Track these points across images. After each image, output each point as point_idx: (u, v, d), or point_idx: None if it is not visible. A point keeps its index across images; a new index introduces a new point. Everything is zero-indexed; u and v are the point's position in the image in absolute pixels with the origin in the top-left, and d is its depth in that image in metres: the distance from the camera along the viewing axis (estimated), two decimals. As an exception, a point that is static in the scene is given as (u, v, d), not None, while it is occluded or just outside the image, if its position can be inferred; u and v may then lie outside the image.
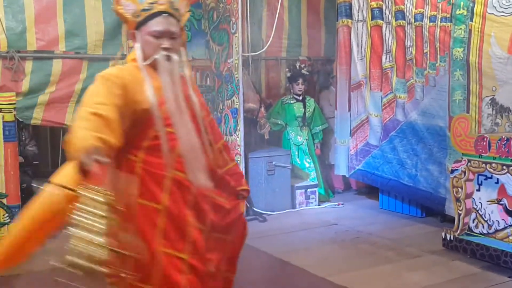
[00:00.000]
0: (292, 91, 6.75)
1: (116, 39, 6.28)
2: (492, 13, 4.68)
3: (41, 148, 6.79)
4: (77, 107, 5.98)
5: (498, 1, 4.65)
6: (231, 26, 6.09)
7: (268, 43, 6.61)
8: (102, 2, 6.12)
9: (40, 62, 5.80)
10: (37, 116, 5.82)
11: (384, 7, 5.87)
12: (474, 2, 4.82)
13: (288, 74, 6.75)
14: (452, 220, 4.54)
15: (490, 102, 4.72)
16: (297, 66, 6.68)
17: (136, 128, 2.20)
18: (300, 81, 6.62)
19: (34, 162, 5.48)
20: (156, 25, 2.27)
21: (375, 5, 5.95)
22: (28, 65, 5.72)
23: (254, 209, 6.01)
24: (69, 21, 5.93)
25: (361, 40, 6.29)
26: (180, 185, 2.22)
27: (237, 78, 5.96)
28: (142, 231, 2.13)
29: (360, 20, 6.20)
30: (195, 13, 6.61)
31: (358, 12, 6.25)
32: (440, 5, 5.15)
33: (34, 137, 5.62)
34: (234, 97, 6.07)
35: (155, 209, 2.18)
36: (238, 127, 5.99)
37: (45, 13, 5.81)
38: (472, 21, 4.83)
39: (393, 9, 5.71)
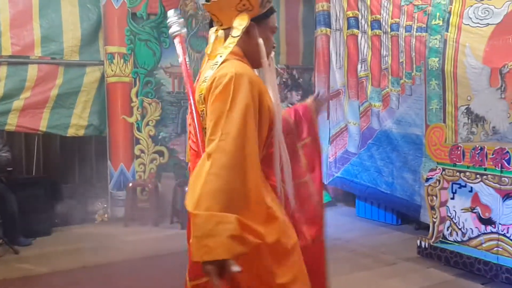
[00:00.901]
0: (288, 98, 6.80)
1: (94, 44, 6.24)
2: (468, 24, 4.77)
3: (15, 155, 6.68)
4: (53, 113, 5.96)
5: (474, 13, 4.74)
6: (210, 33, 6.09)
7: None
8: (79, 7, 6.08)
9: (15, 67, 5.73)
10: (12, 122, 5.74)
11: (360, 17, 5.94)
12: (450, 13, 4.90)
13: (289, 82, 6.79)
14: (427, 227, 4.59)
15: (465, 111, 4.80)
16: (296, 76, 6.70)
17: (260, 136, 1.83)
18: (300, 91, 6.67)
19: (7, 169, 5.38)
20: (274, 21, 1.99)
21: (351, 14, 6.02)
22: (3, 70, 5.64)
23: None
24: (45, 26, 5.87)
25: (339, 49, 6.35)
26: (285, 198, 1.99)
27: (215, 86, 5.95)
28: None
29: (338, 29, 6.26)
30: (173, 19, 6.58)
31: (336, 21, 6.31)
32: (416, 15, 5.23)
33: (7, 143, 5.52)
34: (212, 104, 6.04)
35: None
36: (216, 134, 5.97)
37: (21, 17, 5.74)
38: (447, 32, 4.91)
39: (369, 18, 5.78)
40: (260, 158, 1.81)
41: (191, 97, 1.95)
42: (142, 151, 6.45)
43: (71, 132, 6.18)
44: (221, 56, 1.84)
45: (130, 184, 6.08)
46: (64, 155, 7.15)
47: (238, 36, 1.85)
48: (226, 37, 1.91)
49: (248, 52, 1.94)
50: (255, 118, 1.73)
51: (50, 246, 5.14)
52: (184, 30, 2.14)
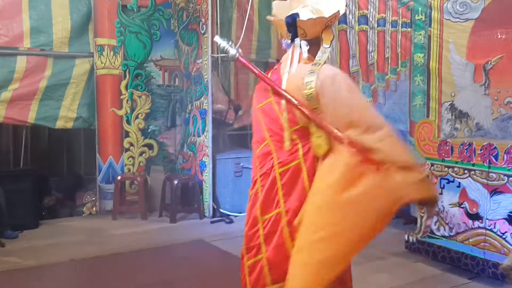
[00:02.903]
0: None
1: (83, 36, 6.19)
2: (449, 19, 4.77)
3: (3, 147, 6.63)
4: (41, 105, 5.91)
5: (452, 7, 4.74)
6: (201, 27, 6.07)
7: (238, 44, 6.55)
8: (69, -1, 6.02)
9: (3, 58, 5.68)
10: (-1, 114, 5.70)
11: (347, 12, 5.94)
12: (431, 8, 4.90)
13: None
14: (414, 222, 4.61)
15: (449, 107, 4.82)
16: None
17: None
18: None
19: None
20: None
21: (339, 9, 6.02)
22: (-9, 62, 5.58)
23: (221, 210, 5.99)
24: (34, 17, 5.82)
25: (333, 44, 6.35)
26: None
27: (206, 79, 5.94)
28: None
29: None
30: (164, 12, 6.56)
31: (328, 16, 6.31)
32: (400, 11, 5.24)
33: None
34: (203, 98, 6.04)
35: None
36: (206, 128, 5.97)
37: (10, 8, 5.69)
38: (431, 27, 4.92)
39: (357, 13, 5.78)
40: None
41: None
42: (131, 144, 6.42)
43: (59, 124, 6.13)
44: (319, 63, 2.22)
45: (119, 177, 6.05)
46: (52, 148, 7.11)
47: (329, 46, 2.29)
48: (311, 45, 2.32)
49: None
50: None
51: (37, 239, 5.10)
52: (239, 50, 2.51)
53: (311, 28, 2.29)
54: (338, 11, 2.31)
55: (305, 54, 2.29)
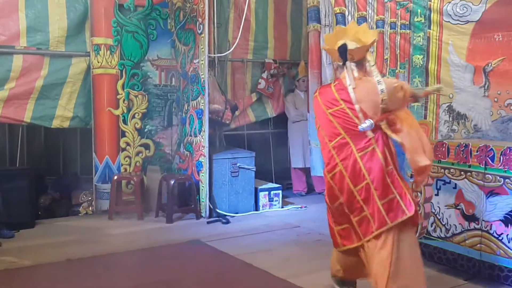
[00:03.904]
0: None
1: (80, 35, 6.18)
2: (448, 21, 4.79)
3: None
4: (37, 104, 5.89)
5: (452, 10, 4.75)
6: (198, 27, 6.06)
7: (235, 44, 6.61)
8: (66, -3, 6.00)
9: (-1, 57, 5.66)
10: (-5, 113, 5.68)
11: (347, 13, 5.94)
12: (430, 10, 4.91)
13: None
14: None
15: (447, 108, 4.84)
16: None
17: None
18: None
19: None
20: None
21: (338, 11, 6.02)
22: (-13, 60, 5.56)
23: (218, 210, 6.00)
24: (31, 16, 5.80)
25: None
26: None
27: (203, 79, 5.94)
28: None
29: (327, 25, 6.25)
30: (161, 12, 6.56)
31: (325, 17, 6.31)
32: (399, 12, 5.25)
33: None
34: (199, 98, 6.03)
35: None
36: (203, 128, 5.96)
37: (6, 7, 5.67)
38: (430, 29, 4.93)
39: (356, 15, 5.78)
40: None
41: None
42: (128, 144, 6.41)
43: (56, 123, 6.11)
44: (378, 76, 3.24)
45: (115, 177, 6.04)
46: (49, 147, 7.09)
47: (374, 64, 3.35)
48: (357, 65, 3.28)
49: None
50: None
51: (33, 238, 5.09)
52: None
53: (357, 54, 3.26)
54: (375, 38, 3.40)
55: (356, 73, 3.26)
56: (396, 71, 5.31)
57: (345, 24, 5.97)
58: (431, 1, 4.89)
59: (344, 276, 3.57)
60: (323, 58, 6.41)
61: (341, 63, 3.34)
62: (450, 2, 4.75)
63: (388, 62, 5.40)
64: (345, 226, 3.36)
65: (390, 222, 3.10)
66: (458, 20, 4.69)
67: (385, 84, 3.16)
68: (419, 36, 5.01)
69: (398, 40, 5.25)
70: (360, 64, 3.27)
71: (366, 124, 3.17)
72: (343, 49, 3.27)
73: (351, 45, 3.22)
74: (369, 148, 3.21)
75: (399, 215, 3.11)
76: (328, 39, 3.50)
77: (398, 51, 5.25)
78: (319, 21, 6.38)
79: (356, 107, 3.19)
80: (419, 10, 5.01)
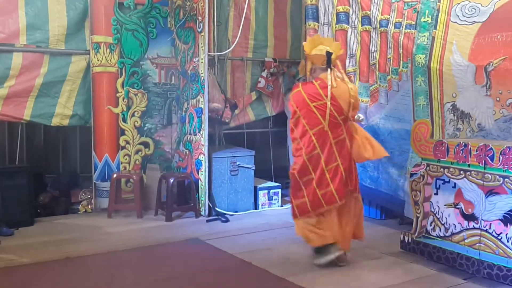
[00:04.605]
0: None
1: (80, 33, 6.18)
2: (455, 22, 4.79)
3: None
4: (37, 102, 5.89)
5: (461, 10, 4.76)
6: (198, 25, 6.06)
7: (235, 43, 6.61)
8: (65, -5, 6.00)
9: (-1, 55, 5.65)
10: (-5, 110, 5.67)
11: (351, 12, 5.93)
12: (438, 11, 4.92)
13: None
14: (410, 222, 4.63)
15: (451, 107, 4.84)
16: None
17: None
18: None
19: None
20: None
21: (341, 10, 6.01)
22: (-13, 58, 5.56)
23: (217, 209, 6.00)
24: (30, 14, 5.80)
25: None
26: None
27: (202, 78, 5.93)
28: None
29: (326, 24, 6.25)
30: (161, 10, 6.55)
31: (324, 16, 6.29)
32: (406, 12, 5.24)
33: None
34: (199, 97, 6.03)
35: None
36: (202, 127, 5.96)
37: (6, 5, 5.67)
38: (435, 29, 4.93)
39: (360, 14, 5.78)
40: None
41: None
42: (127, 142, 6.41)
43: (55, 121, 6.11)
44: (349, 82, 4.30)
45: (115, 175, 6.04)
46: (48, 145, 7.09)
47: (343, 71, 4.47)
48: (332, 70, 4.19)
49: None
50: None
51: (32, 236, 5.09)
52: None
53: (334, 60, 4.20)
54: (342, 52, 4.54)
55: (338, 74, 4.21)
56: (399, 70, 5.30)
57: (348, 23, 5.98)
58: (440, 2, 4.89)
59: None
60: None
61: (324, 66, 4.16)
62: (459, 3, 4.76)
63: (391, 61, 5.39)
64: (302, 200, 4.17)
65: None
66: (465, 20, 4.70)
67: (354, 88, 4.24)
68: (424, 36, 5.01)
69: (402, 39, 5.24)
70: (332, 69, 4.17)
71: (361, 117, 4.50)
72: (329, 55, 4.12)
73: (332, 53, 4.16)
74: (341, 137, 4.12)
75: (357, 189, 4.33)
76: (306, 45, 4.32)
77: (401, 50, 5.25)
78: (316, 20, 6.37)
79: (336, 103, 4.06)
80: (427, 11, 5.01)
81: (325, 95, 4.03)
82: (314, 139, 4.06)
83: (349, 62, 5.97)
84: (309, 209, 4.12)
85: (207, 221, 5.80)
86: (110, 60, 6.21)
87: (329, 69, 4.12)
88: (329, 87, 4.04)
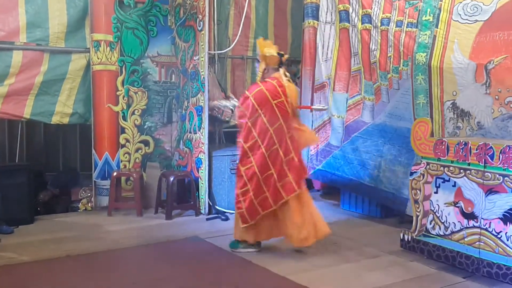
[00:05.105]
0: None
1: (80, 31, 6.18)
2: (457, 20, 4.79)
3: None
4: (37, 100, 5.90)
5: (463, 9, 4.76)
6: (198, 23, 6.06)
7: (235, 41, 6.61)
8: (66, -7, 5.99)
9: (-1, 53, 5.65)
10: (-5, 109, 5.67)
11: (351, 10, 5.92)
12: (440, 9, 4.92)
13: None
14: (410, 221, 4.63)
15: (451, 106, 4.84)
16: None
17: None
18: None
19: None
20: None
21: (342, 8, 6.01)
22: (-13, 56, 5.56)
23: (217, 207, 6.00)
24: (30, 12, 5.79)
25: (328, 42, 6.34)
26: None
27: (202, 76, 5.93)
28: None
29: (328, 22, 6.24)
30: (161, 8, 6.55)
31: (326, 14, 6.28)
32: (408, 11, 5.24)
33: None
34: (199, 95, 6.03)
35: None
36: (202, 125, 5.96)
37: (6, 3, 5.67)
38: (437, 28, 4.93)
39: (360, 12, 5.77)
40: None
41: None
42: (127, 140, 6.42)
43: (55, 119, 6.11)
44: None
45: (115, 173, 6.04)
46: (48, 143, 7.09)
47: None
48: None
49: None
50: None
51: (32, 234, 5.09)
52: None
53: (284, 61, 4.67)
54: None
55: (287, 74, 4.58)
56: (399, 68, 5.30)
57: (348, 22, 5.98)
58: (442, 1, 4.89)
59: (258, 239, 4.60)
60: (319, 54, 6.41)
61: (276, 67, 4.56)
62: (461, 2, 4.76)
63: (392, 59, 5.39)
64: (263, 195, 4.39)
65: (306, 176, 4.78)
66: (466, 19, 4.70)
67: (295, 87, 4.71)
68: (425, 34, 5.01)
69: (403, 37, 5.24)
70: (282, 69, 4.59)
71: (320, 106, 5.53)
72: (281, 56, 4.57)
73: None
74: (292, 131, 4.48)
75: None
76: (260, 44, 4.68)
77: (402, 48, 5.24)
78: (316, 18, 6.37)
79: (289, 100, 4.44)
80: (428, 9, 5.01)
81: (282, 92, 4.41)
82: (274, 135, 4.37)
83: (354, 61, 5.96)
84: (272, 204, 4.40)
85: (207, 219, 5.80)
86: (110, 58, 6.21)
87: (280, 69, 4.53)
88: (285, 86, 4.47)
